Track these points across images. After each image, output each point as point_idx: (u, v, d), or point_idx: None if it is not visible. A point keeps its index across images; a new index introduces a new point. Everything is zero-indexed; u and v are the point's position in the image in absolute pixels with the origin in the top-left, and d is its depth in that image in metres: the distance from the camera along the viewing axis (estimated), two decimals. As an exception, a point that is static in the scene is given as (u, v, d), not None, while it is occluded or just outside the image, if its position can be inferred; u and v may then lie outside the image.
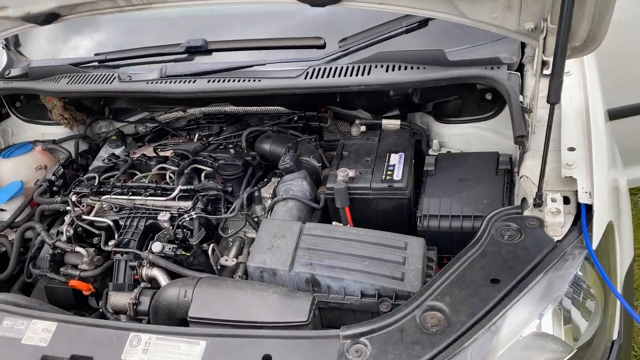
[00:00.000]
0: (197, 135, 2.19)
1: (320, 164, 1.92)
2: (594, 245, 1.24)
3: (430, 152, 1.87)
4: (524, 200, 1.48)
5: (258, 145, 2.01)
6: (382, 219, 1.72)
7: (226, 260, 1.71)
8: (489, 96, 1.75)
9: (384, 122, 1.94)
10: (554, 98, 1.25)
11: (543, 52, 1.37)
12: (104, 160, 2.18)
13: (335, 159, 1.83)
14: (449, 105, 1.85)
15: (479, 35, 1.66)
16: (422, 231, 1.61)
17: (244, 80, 1.80)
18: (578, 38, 1.30)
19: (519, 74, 1.66)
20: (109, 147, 2.33)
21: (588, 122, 1.49)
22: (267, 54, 1.89)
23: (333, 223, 1.75)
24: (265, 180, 1.88)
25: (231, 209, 1.77)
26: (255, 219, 1.82)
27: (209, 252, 1.70)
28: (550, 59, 1.25)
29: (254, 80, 1.79)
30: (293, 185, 1.78)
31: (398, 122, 1.92)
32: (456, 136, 1.85)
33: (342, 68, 1.75)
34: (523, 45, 1.75)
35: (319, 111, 2.10)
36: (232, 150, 2.00)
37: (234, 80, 1.81)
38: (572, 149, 1.44)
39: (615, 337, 1.32)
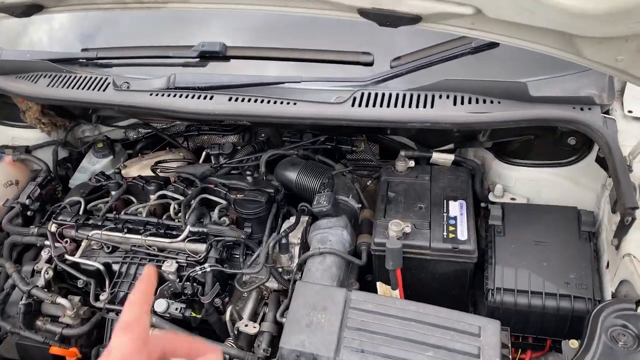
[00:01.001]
0: (204, 153, 1.84)
1: (360, 205, 1.60)
2: None
3: (492, 197, 1.57)
4: (622, 282, 1.21)
5: (280, 173, 1.68)
6: (439, 283, 1.43)
7: (246, 326, 1.39)
8: (572, 141, 1.45)
9: (435, 155, 1.62)
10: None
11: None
12: (90, 179, 1.80)
13: (379, 201, 1.51)
14: (517, 143, 1.55)
15: (559, 61, 1.36)
16: (492, 307, 1.33)
17: (274, 102, 1.45)
18: None
19: (614, 119, 1.37)
20: (93, 156, 1.96)
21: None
22: (299, 68, 1.54)
23: (377, 285, 1.45)
24: (293, 221, 1.54)
25: (252, 259, 1.45)
26: (280, 270, 1.50)
27: (227, 315, 1.38)
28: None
29: (288, 104, 1.44)
30: (331, 234, 1.46)
31: (452, 157, 1.61)
32: (523, 181, 1.56)
33: (398, 96, 1.42)
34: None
35: (353, 135, 1.78)
36: (249, 178, 1.66)
37: (262, 101, 1.46)
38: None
39: None
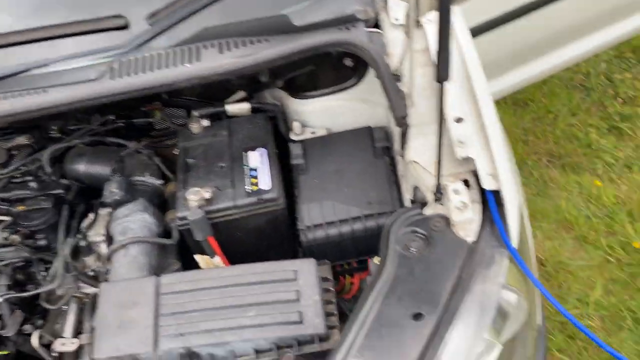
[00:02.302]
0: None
1: (162, 181, 1.49)
2: (515, 242, 1.06)
3: (293, 136, 1.54)
4: (416, 188, 1.26)
5: (68, 168, 1.51)
6: (256, 237, 1.39)
7: (63, 345, 1.27)
8: (348, 62, 1.44)
9: (229, 108, 1.54)
10: (443, 75, 0.99)
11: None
12: None
13: (178, 171, 1.42)
14: (303, 77, 1.51)
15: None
16: (308, 245, 1.33)
17: (18, 95, 1.25)
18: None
19: (380, 31, 1.37)
20: None
21: (469, 81, 1.27)
22: (45, 48, 1.35)
23: (196, 257, 1.38)
24: (92, 216, 1.40)
25: (49, 274, 1.30)
26: (92, 274, 1.37)
27: (34, 341, 1.24)
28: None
29: (36, 93, 1.26)
30: (131, 222, 1.35)
31: (247, 105, 1.55)
32: (318, 113, 1.54)
33: (160, 56, 1.30)
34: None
35: (143, 105, 1.63)
36: (32, 184, 1.46)
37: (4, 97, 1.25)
38: (459, 120, 1.22)
39: (539, 322, 1.21)
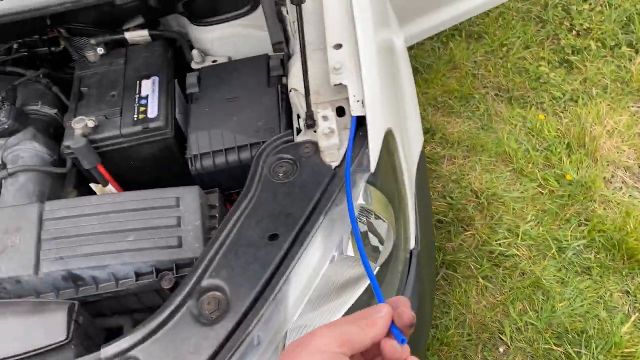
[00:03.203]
0: None
1: (56, 110, 1.48)
2: (373, 166, 1.08)
3: (193, 65, 1.52)
4: (299, 117, 1.26)
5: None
6: (152, 166, 1.41)
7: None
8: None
9: (128, 35, 1.51)
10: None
11: None
12: None
13: (71, 100, 1.41)
14: (201, 1, 1.47)
15: None
16: (198, 174, 1.34)
17: None
18: None
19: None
20: None
21: (350, 6, 1.24)
22: None
23: (92, 186, 1.40)
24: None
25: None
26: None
27: None
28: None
29: None
30: (21, 150, 1.36)
31: (146, 32, 1.51)
32: (219, 40, 1.51)
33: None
34: None
35: (45, 33, 1.59)
36: None
37: None
38: (338, 46, 1.21)
39: (412, 246, 1.25)
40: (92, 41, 1.49)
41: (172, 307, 1.00)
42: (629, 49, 2.90)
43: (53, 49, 1.61)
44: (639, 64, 2.80)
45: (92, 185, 1.40)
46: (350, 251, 1.07)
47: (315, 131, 1.15)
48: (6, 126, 1.34)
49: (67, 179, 1.42)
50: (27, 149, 1.35)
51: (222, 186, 1.35)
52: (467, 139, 2.71)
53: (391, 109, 1.22)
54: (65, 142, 1.31)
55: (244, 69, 1.44)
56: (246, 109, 1.36)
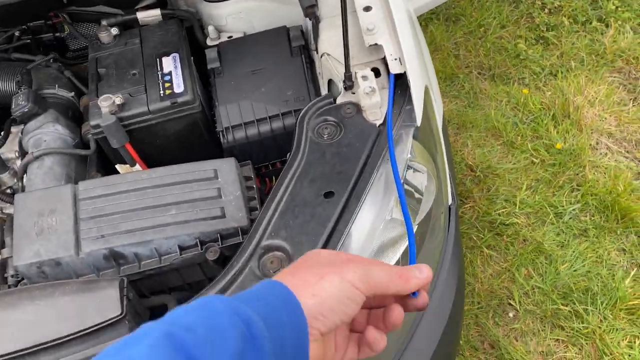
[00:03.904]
0: None
1: (73, 93, 1.44)
2: (419, 120, 1.10)
3: (209, 42, 1.51)
4: (330, 82, 1.27)
5: (-27, 87, 1.43)
6: (177, 143, 1.38)
7: (-15, 260, 1.25)
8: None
9: (140, 15, 1.49)
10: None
11: None
12: None
13: (90, 82, 1.37)
14: (213, -23, 1.46)
15: None
16: (229, 147, 1.33)
17: None
18: None
19: None
20: None
21: (377, -29, 1.26)
22: None
23: (117, 167, 1.37)
24: (3, 134, 1.36)
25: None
26: (9, 191, 1.34)
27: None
28: None
29: None
30: (43, 134, 1.31)
31: (158, 11, 1.49)
32: (233, 16, 1.50)
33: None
34: None
35: (49, 18, 1.54)
36: None
37: None
38: (368, 9, 1.22)
39: (450, 202, 1.28)
40: (104, 22, 1.45)
41: (235, 269, 0.99)
42: (599, 24, 3.04)
43: (58, 34, 1.56)
44: (611, 37, 2.93)
45: (118, 166, 1.37)
46: (395, 212, 1.09)
47: (353, 93, 1.17)
48: (26, 109, 1.29)
49: (89, 162, 1.38)
50: (49, 132, 1.31)
51: (252, 159, 1.34)
52: (456, 117, 2.78)
53: (423, 68, 1.24)
54: (93, 121, 1.27)
55: (263, 42, 1.44)
56: (273, 80, 1.36)
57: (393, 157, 1.04)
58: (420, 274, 0.64)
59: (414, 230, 1.12)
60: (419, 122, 1.09)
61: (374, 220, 1.02)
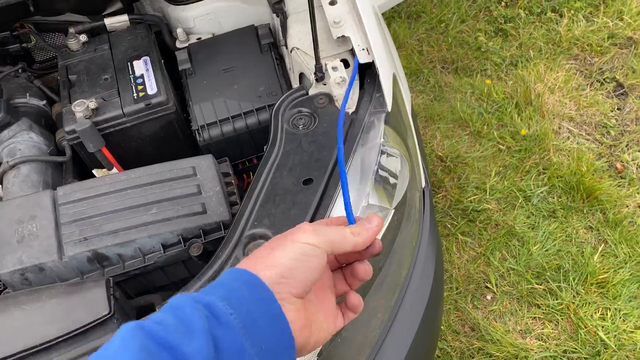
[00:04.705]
0: None
1: (45, 101, 1.44)
2: (389, 105, 1.15)
3: (178, 44, 1.53)
4: (302, 75, 1.30)
5: (-60, 102, 1.41)
6: (153, 145, 1.40)
7: (-35, 273, 1.24)
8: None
9: (107, 22, 1.50)
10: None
11: None
12: None
13: (62, 89, 1.37)
14: (180, -20, 1.49)
15: None
16: (206, 145, 1.35)
17: None
18: None
19: None
20: None
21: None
22: None
23: (94, 172, 1.37)
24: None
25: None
26: (-15, 203, 1.33)
27: None
28: None
29: None
30: (18, 143, 1.31)
31: (125, 17, 1.50)
32: (201, 17, 1.53)
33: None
34: None
35: (14, 29, 1.54)
36: None
37: None
38: (333, 3, 1.27)
39: (423, 184, 1.33)
40: (72, 30, 1.46)
41: (221, 260, 1.01)
42: (553, 14, 3.16)
43: (25, 45, 1.55)
44: (566, 26, 3.06)
45: (95, 171, 1.37)
46: (372, 198, 1.13)
47: (324, 84, 1.20)
48: (-2, 119, 1.28)
49: (65, 169, 1.38)
50: (24, 141, 1.31)
51: (229, 156, 1.36)
52: (424, 110, 2.85)
53: (390, 57, 1.29)
54: (68, 127, 1.28)
55: (233, 41, 1.46)
56: (245, 77, 1.39)
57: (340, 131, 1.08)
58: (371, 224, 0.69)
59: (390, 216, 1.16)
60: (389, 108, 1.13)
61: (353, 203, 1.05)
